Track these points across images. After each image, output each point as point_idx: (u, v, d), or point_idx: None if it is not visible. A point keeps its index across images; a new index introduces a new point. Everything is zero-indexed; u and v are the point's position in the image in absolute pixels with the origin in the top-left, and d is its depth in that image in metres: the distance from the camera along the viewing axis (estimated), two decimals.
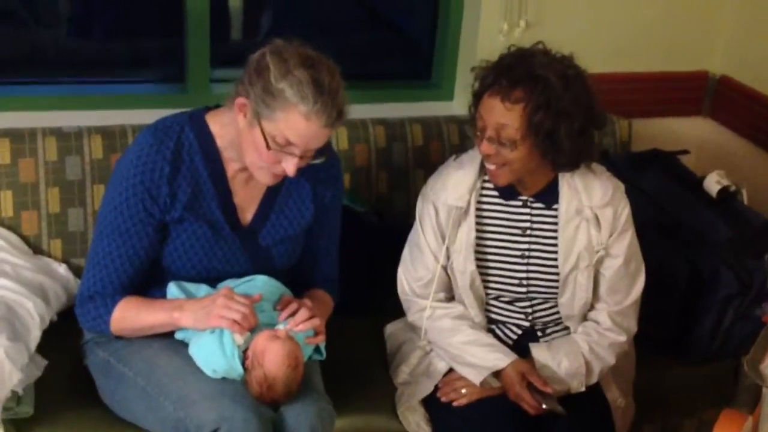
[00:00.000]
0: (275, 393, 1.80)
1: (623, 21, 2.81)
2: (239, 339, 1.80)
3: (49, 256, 2.30)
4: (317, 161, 1.86)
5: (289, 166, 1.81)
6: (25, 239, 2.28)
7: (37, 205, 2.28)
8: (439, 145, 2.60)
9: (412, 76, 3.02)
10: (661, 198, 2.31)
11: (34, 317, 2.06)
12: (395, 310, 2.26)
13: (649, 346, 2.25)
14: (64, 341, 2.09)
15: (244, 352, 1.82)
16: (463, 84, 2.88)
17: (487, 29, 2.70)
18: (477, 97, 1.95)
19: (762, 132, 2.78)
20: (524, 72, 1.86)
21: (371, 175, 2.55)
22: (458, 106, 2.91)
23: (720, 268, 2.23)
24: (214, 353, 1.80)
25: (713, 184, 2.35)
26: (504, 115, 1.88)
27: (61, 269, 2.27)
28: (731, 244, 2.24)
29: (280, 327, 1.86)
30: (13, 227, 2.27)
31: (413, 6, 3.04)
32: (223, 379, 1.83)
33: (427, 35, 2.93)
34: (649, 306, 2.14)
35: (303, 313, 1.88)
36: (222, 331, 1.81)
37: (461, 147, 2.60)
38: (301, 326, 1.86)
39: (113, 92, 2.68)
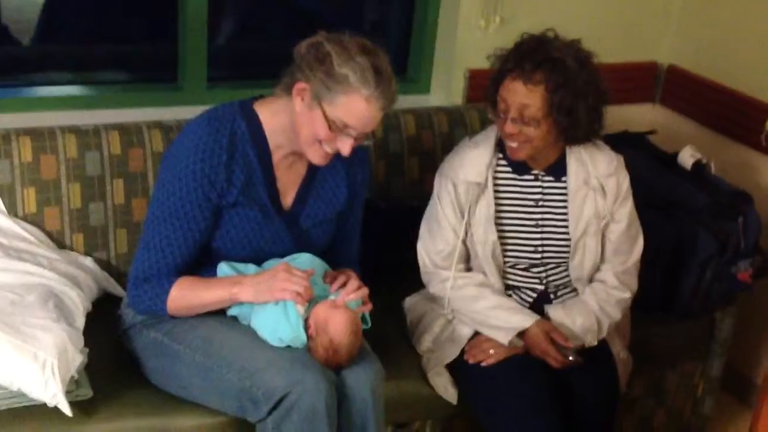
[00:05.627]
0: (340, 357, 1.93)
1: (582, 17, 3.03)
2: (301, 309, 1.93)
3: (72, 250, 2.36)
4: (367, 143, 2.00)
5: (345, 147, 1.93)
6: (48, 234, 2.33)
7: (59, 200, 2.34)
8: (430, 134, 2.77)
9: None
10: (640, 173, 2.53)
11: (78, 306, 2.13)
12: (407, 285, 2.44)
13: (636, 305, 2.43)
14: (98, 329, 2.16)
15: (305, 321, 1.95)
16: (440, 78, 3.07)
17: (466, 26, 2.89)
18: (497, 82, 2.12)
19: (708, 114, 3.06)
20: (543, 55, 2.05)
21: (371, 164, 2.69)
22: (435, 98, 3.09)
23: (700, 232, 2.46)
24: (279, 323, 1.92)
25: (687, 157, 2.59)
26: (527, 96, 2.06)
27: (87, 262, 2.34)
28: (708, 209, 2.49)
29: (332, 297, 2.00)
30: (37, 223, 2.32)
31: (389, 3, 3.19)
32: (287, 347, 1.94)
33: (402, 31, 3.09)
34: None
35: (353, 284, 2.01)
36: (285, 302, 1.92)
37: (450, 134, 2.79)
38: (353, 296, 1.99)
39: (115, 92, 2.78)
